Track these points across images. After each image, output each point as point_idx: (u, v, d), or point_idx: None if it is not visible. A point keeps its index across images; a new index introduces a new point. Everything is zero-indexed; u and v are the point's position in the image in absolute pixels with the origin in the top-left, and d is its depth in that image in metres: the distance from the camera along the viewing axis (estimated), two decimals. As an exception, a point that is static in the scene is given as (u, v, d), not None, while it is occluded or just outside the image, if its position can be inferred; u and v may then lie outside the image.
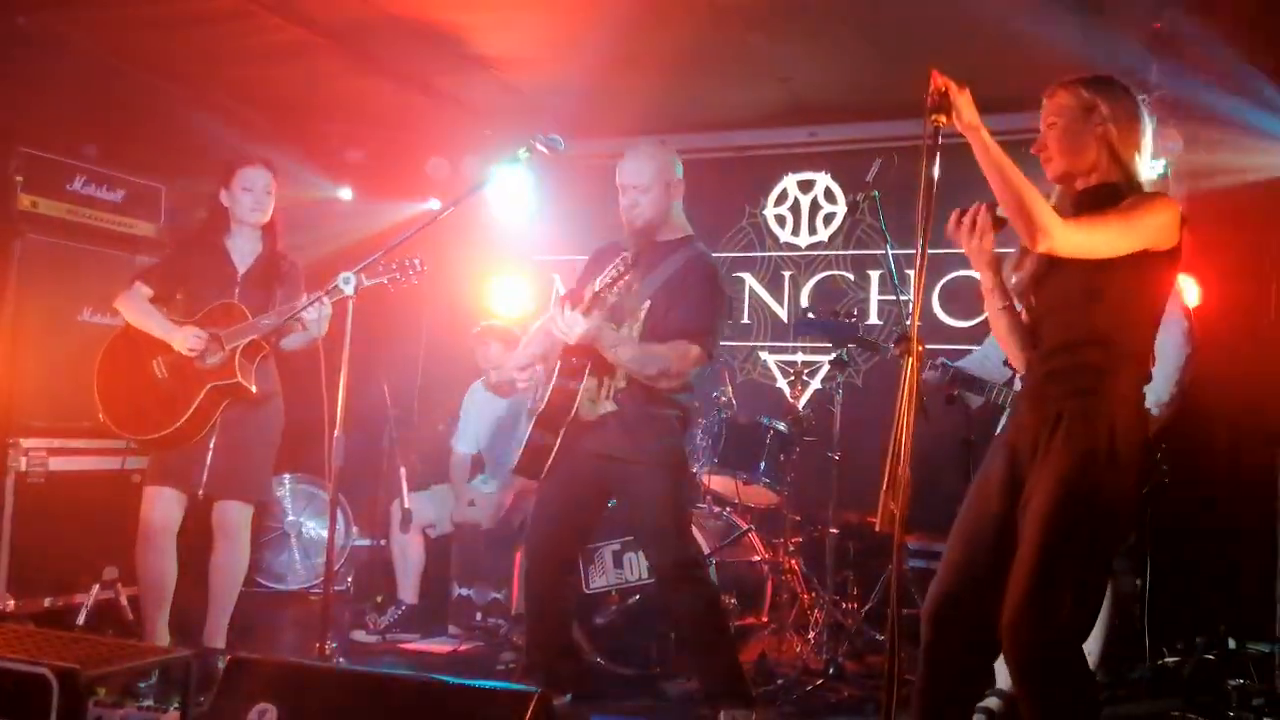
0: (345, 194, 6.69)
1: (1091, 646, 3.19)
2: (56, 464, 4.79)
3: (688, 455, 4.19)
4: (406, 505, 5.31)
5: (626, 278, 3.69)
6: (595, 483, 3.93)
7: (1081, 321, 2.75)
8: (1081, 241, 2.65)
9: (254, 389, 4.09)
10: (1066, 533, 2.63)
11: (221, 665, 2.75)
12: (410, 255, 3.77)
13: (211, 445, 4.11)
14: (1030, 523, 2.69)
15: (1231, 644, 4.64)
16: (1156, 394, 3.83)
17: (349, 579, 6.24)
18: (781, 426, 4.90)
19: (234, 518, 4.21)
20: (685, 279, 3.81)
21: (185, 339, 4.06)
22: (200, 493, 4.14)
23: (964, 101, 2.63)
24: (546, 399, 3.81)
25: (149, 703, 3.25)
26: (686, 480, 4.11)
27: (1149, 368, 2.80)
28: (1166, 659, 4.54)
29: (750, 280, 6.43)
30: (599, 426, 3.82)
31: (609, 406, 3.81)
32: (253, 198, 4.24)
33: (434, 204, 6.48)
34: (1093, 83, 2.81)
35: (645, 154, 3.87)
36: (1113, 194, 2.75)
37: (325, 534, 4.60)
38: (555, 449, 3.82)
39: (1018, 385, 3.97)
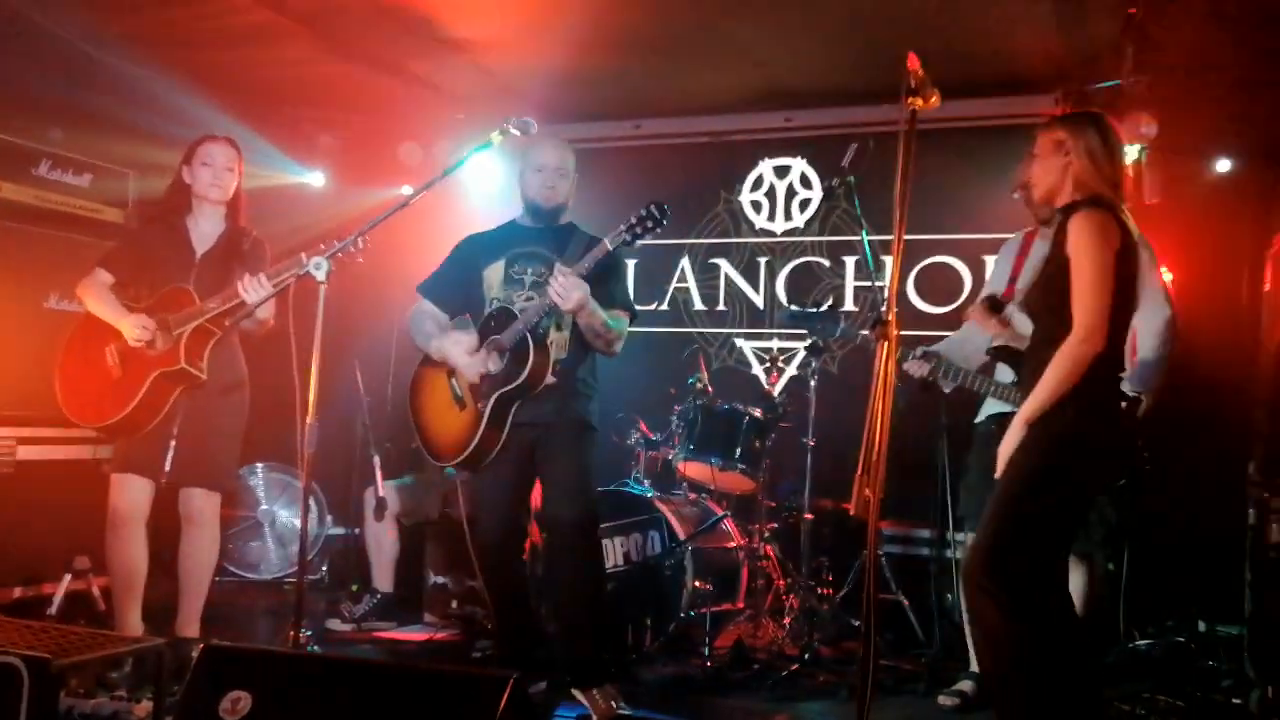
0: (318, 179, 6.62)
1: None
2: (25, 453, 4.75)
3: None
4: (381, 493, 5.28)
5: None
6: (528, 456, 3.97)
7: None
8: (1097, 321, 2.95)
9: (202, 375, 4.03)
10: (1012, 499, 3.03)
11: (194, 654, 2.72)
12: (377, 239, 3.72)
13: (175, 433, 4.07)
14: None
15: (1202, 626, 4.69)
16: (1140, 381, 3.86)
17: (323, 568, 6.22)
18: (757, 413, 4.90)
19: (200, 505, 4.18)
20: (606, 257, 3.93)
21: (132, 328, 4.01)
22: (164, 480, 4.10)
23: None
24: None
25: (121, 692, 3.23)
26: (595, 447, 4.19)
27: (1110, 362, 3.06)
28: (1138, 641, 4.58)
29: (726, 266, 6.42)
30: (534, 400, 3.86)
31: (549, 380, 3.87)
32: (211, 172, 4.18)
33: (407, 189, 6.43)
34: (1067, 120, 3.24)
35: (564, 144, 4.09)
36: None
37: (299, 523, 4.57)
38: (483, 429, 3.85)
39: (1001, 374, 4.00)
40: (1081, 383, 2.97)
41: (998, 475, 3.11)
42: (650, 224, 3.72)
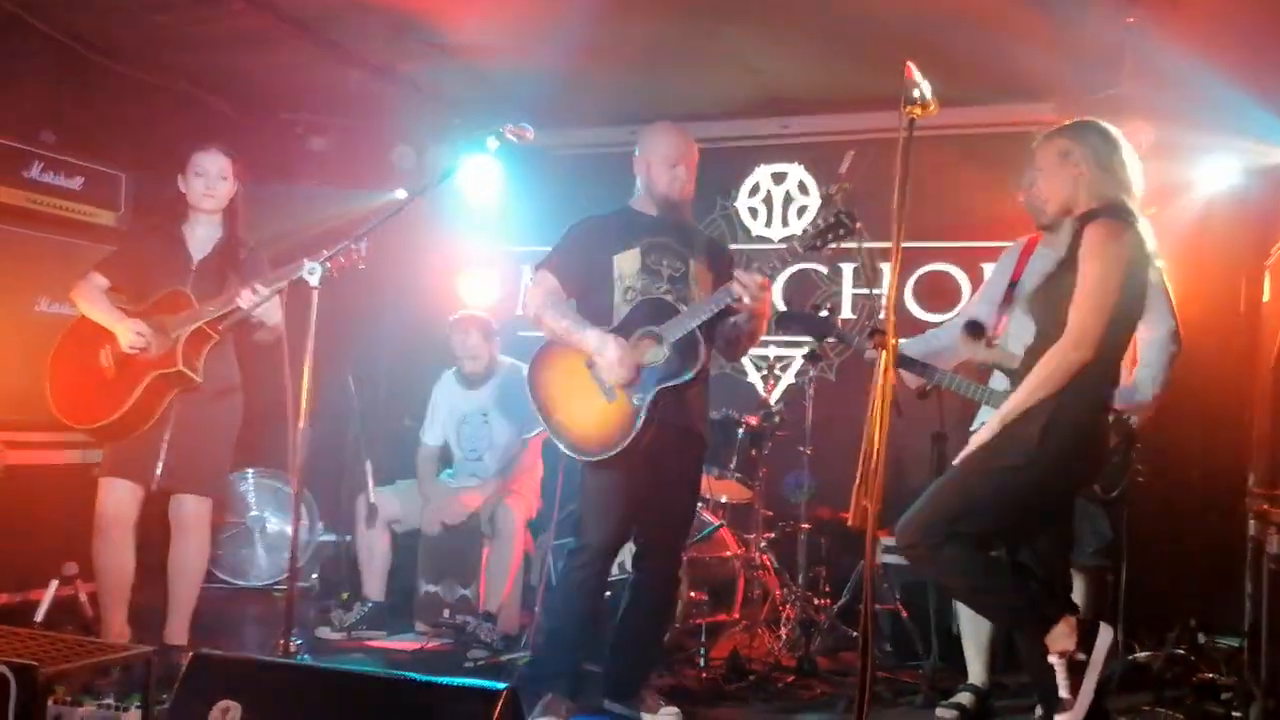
0: (309, 183, 6.58)
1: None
2: (13, 458, 4.69)
3: None
4: (372, 500, 5.23)
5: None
6: (651, 459, 3.71)
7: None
8: (1089, 330, 2.95)
9: (198, 378, 4.01)
10: (956, 475, 3.11)
11: (183, 662, 2.68)
12: (371, 245, 3.70)
13: (166, 438, 4.04)
14: None
15: (1201, 638, 4.66)
16: (1140, 392, 3.84)
17: (314, 575, 6.16)
18: (753, 421, 4.88)
19: (190, 511, 4.15)
20: (721, 251, 4.03)
21: (127, 333, 3.99)
22: (155, 486, 4.07)
23: None
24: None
25: (109, 700, 3.18)
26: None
27: (1097, 373, 3.02)
28: (1138, 654, 4.55)
29: (722, 273, 6.39)
30: (678, 395, 3.71)
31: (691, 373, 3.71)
32: (204, 183, 4.17)
33: (400, 193, 6.40)
34: (1068, 130, 3.18)
35: (686, 132, 4.02)
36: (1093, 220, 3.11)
37: (289, 529, 4.53)
38: (641, 424, 3.64)
39: (998, 383, 3.97)
40: (1063, 389, 2.96)
41: (956, 461, 3.14)
42: (842, 231, 3.59)
